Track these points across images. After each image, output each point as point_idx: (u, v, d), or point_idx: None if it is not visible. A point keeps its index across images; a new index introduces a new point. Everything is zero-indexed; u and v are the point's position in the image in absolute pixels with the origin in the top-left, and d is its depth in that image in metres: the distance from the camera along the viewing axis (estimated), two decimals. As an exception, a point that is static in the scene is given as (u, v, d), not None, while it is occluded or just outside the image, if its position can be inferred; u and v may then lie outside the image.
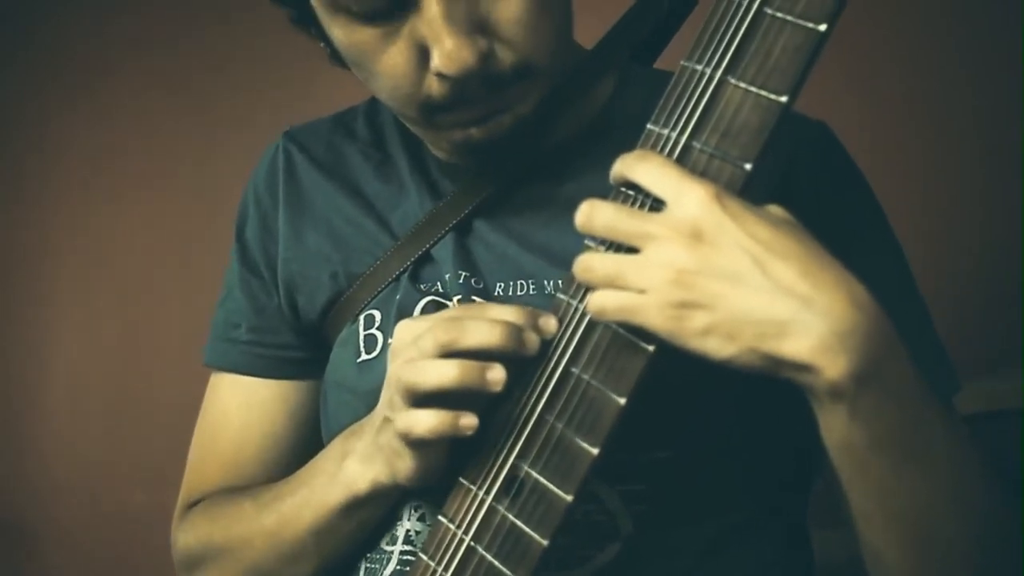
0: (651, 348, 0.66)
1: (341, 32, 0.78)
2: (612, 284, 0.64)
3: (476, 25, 0.74)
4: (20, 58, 2.05)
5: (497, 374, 0.68)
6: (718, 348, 0.61)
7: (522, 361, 0.70)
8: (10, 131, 2.06)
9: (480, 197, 0.87)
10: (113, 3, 2.00)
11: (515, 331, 0.69)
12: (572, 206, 0.73)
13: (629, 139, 0.72)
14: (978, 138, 1.62)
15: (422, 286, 0.87)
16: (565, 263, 0.79)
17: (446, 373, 0.68)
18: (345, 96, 0.99)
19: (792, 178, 0.81)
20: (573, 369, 0.69)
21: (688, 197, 0.62)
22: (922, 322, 0.84)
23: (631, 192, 0.68)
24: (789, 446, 0.82)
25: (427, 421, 0.69)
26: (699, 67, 0.67)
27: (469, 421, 0.69)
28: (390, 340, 0.83)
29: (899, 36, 1.65)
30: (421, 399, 0.70)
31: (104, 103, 2.02)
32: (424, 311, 0.85)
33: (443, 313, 0.73)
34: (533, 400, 0.70)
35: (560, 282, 0.81)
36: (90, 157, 2.04)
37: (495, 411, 0.72)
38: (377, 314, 0.88)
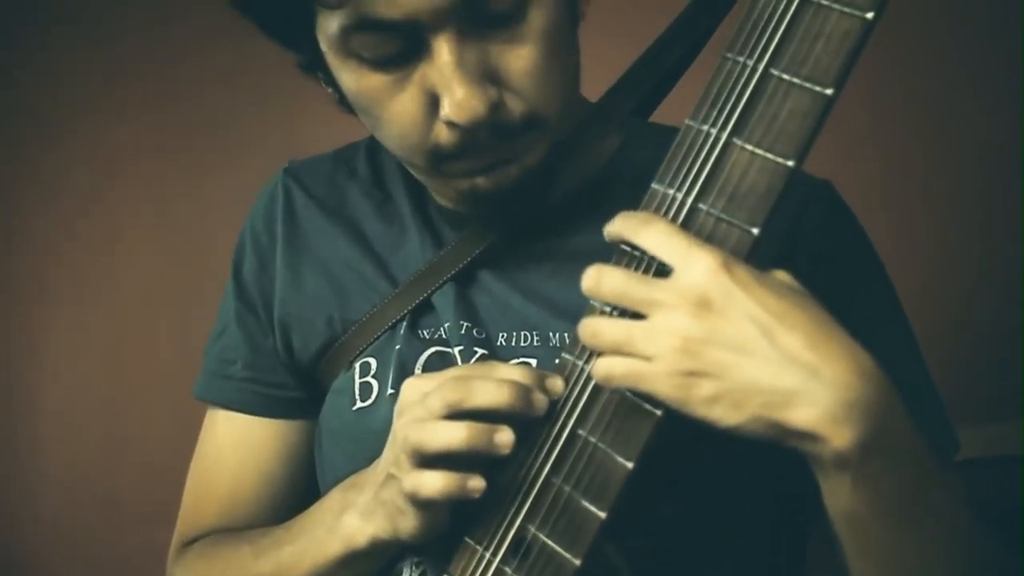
0: (659, 413, 0.66)
1: (351, 78, 0.77)
2: (619, 350, 0.64)
3: (487, 74, 0.74)
4: (12, 95, 2.02)
5: (505, 437, 0.68)
6: (725, 416, 0.61)
7: (529, 422, 0.70)
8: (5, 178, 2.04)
9: (483, 246, 0.86)
10: (102, 40, 1.97)
11: (523, 391, 0.69)
12: (576, 259, 0.73)
13: (633, 193, 0.72)
14: (978, 140, 1.61)
15: (423, 334, 0.87)
16: (569, 315, 0.79)
17: (455, 435, 0.68)
18: (337, 131, 0.97)
19: (796, 239, 0.81)
20: (580, 431, 0.69)
21: (695, 265, 0.62)
22: (924, 384, 0.85)
23: (636, 252, 0.67)
24: (792, 500, 0.82)
25: (434, 483, 0.69)
26: (705, 127, 0.66)
27: (477, 484, 0.69)
28: (390, 390, 0.84)
29: (899, 37, 1.63)
30: (429, 460, 0.70)
31: (93, 140, 1.99)
32: (427, 362, 0.85)
33: (450, 372, 0.73)
34: (540, 462, 0.70)
35: (565, 335, 0.81)
36: (80, 193, 2.00)
37: (501, 471, 0.71)
38: (373, 362, 0.88)
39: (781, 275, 0.64)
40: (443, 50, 0.72)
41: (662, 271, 0.65)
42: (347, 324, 0.90)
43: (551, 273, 0.85)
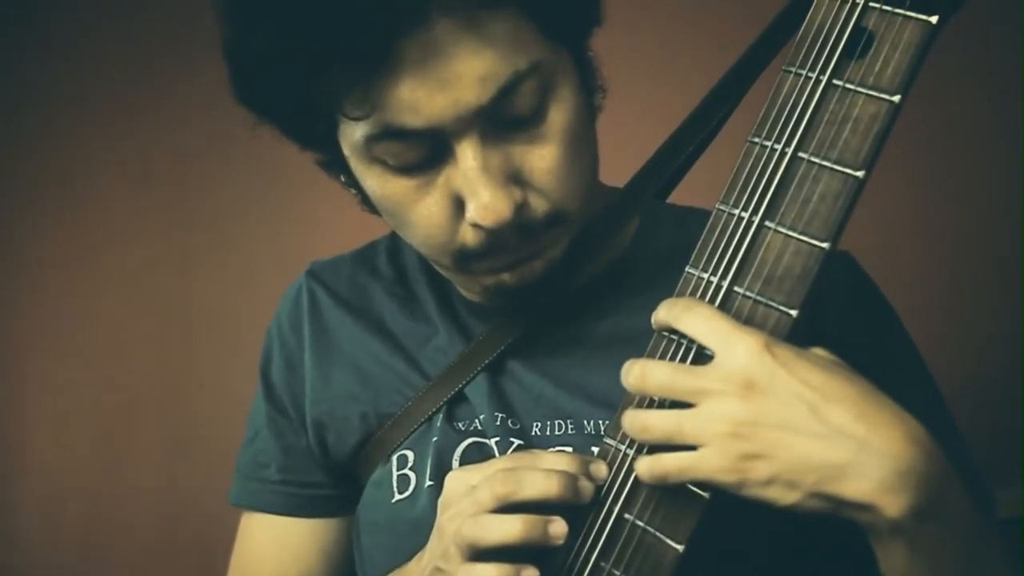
0: (707, 495, 0.66)
1: (375, 183, 0.78)
2: (670, 441, 0.65)
3: (510, 176, 0.75)
4: None
5: (559, 528, 0.69)
6: (781, 496, 0.62)
7: (575, 508, 0.70)
8: None
9: (511, 337, 0.87)
10: (91, 94, 1.99)
11: (571, 480, 0.69)
12: (604, 344, 0.73)
13: (654, 277, 0.72)
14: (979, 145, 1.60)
15: (459, 426, 0.87)
16: (602, 402, 0.80)
17: (510, 529, 0.68)
18: (329, 196, 0.97)
19: (820, 312, 0.81)
20: (627, 515, 0.69)
21: (738, 348, 0.63)
22: (958, 447, 0.85)
23: (674, 337, 0.68)
24: (847, 567, 0.82)
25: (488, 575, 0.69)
26: (736, 211, 0.67)
27: (530, 574, 0.69)
28: (429, 482, 0.84)
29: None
30: (480, 553, 0.70)
31: (78, 195, 2.00)
32: (465, 454, 0.85)
33: (496, 463, 0.73)
34: (588, 547, 0.70)
35: (600, 423, 0.81)
36: (63, 251, 2.02)
37: (550, 558, 0.71)
38: (410, 454, 0.88)
39: (821, 352, 0.65)
40: (467, 155, 0.73)
41: (702, 354, 0.66)
42: (382, 418, 0.90)
43: (580, 360, 0.86)
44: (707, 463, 0.63)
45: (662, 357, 0.68)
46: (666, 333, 0.68)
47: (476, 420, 0.86)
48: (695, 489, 0.66)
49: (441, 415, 0.87)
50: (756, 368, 0.62)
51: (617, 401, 0.71)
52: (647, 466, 0.65)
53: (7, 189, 2.03)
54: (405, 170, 0.76)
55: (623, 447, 0.70)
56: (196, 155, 1.93)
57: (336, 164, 0.82)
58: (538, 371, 0.87)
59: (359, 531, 0.92)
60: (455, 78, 0.70)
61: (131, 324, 1.98)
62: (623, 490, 0.69)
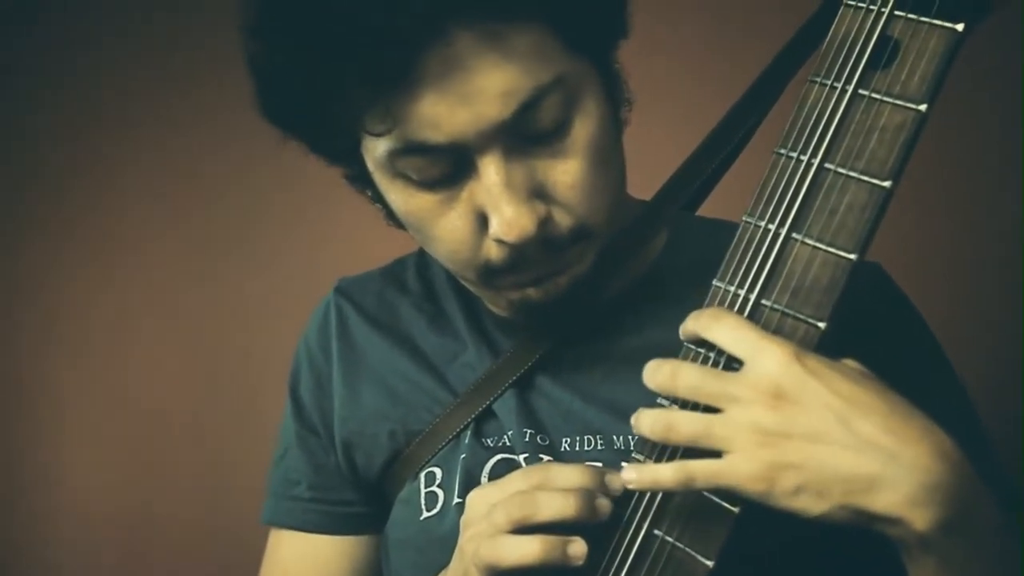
0: (736, 510, 0.65)
1: (399, 198, 0.78)
2: (696, 443, 0.64)
3: (534, 191, 0.75)
4: (19, 197, 2.04)
5: (578, 548, 0.68)
6: (810, 506, 0.61)
7: (601, 525, 0.69)
8: (12, 267, 2.04)
9: (539, 353, 0.87)
10: (118, 110, 1.99)
11: (588, 498, 0.69)
12: (632, 359, 0.73)
13: (682, 290, 0.72)
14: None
15: (488, 442, 0.87)
16: (629, 417, 0.79)
17: (528, 551, 0.68)
18: (355, 208, 0.96)
19: (850, 324, 0.81)
20: (656, 532, 0.68)
21: (767, 357, 0.62)
22: (989, 459, 0.84)
23: (701, 350, 0.67)
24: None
25: None
26: (763, 223, 0.67)
27: None
28: (457, 499, 0.83)
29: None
30: (500, 575, 0.69)
31: (106, 235, 2.00)
32: (494, 470, 0.84)
33: (512, 483, 0.72)
34: (616, 566, 0.70)
35: (629, 438, 0.81)
36: (91, 292, 2.01)
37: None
38: (438, 471, 0.87)
39: (851, 363, 0.65)
40: (490, 170, 0.73)
41: (731, 366, 0.65)
42: (410, 436, 0.90)
43: (607, 375, 0.86)
44: (735, 470, 0.62)
45: None
46: (693, 346, 0.68)
47: (505, 436, 0.86)
48: (724, 504, 0.65)
49: (469, 432, 0.87)
50: (785, 377, 0.61)
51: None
52: (672, 470, 0.65)
53: (43, 213, 2.05)
54: (428, 185, 0.75)
55: (652, 462, 0.69)
56: (227, 169, 1.92)
57: (362, 179, 0.82)
58: (567, 386, 0.86)
59: (387, 549, 0.92)
60: (476, 93, 0.70)
61: (162, 342, 1.98)
62: (652, 506, 0.69)
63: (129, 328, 1.99)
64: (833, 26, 0.66)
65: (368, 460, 0.92)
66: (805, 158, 0.65)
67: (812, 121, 0.65)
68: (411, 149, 0.73)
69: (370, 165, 0.79)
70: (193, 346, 1.96)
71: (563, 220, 0.76)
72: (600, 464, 0.81)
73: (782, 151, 0.67)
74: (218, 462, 1.92)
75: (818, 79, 0.66)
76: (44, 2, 1.98)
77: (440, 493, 0.86)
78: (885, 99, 0.63)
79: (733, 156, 0.89)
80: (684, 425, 0.64)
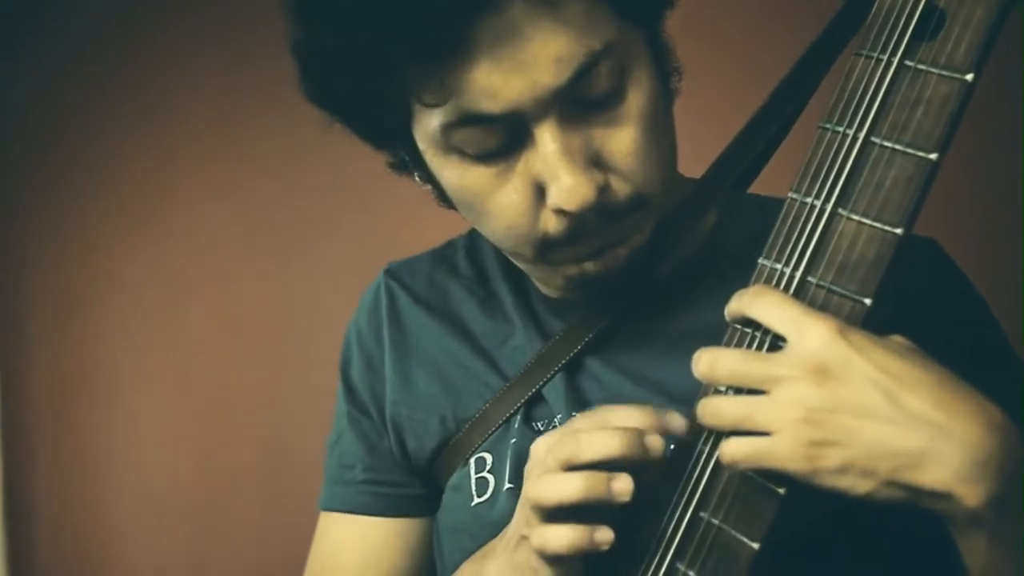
0: (782, 491, 0.64)
1: (453, 174, 0.77)
2: (741, 427, 0.63)
3: (591, 159, 0.74)
4: (83, 184, 2.07)
5: (623, 484, 0.67)
6: (855, 485, 0.61)
7: (649, 509, 0.69)
8: (74, 263, 2.08)
9: (590, 335, 0.86)
10: (178, 115, 2.01)
11: (636, 437, 0.68)
12: (683, 339, 0.72)
13: (733, 270, 0.71)
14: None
15: (538, 426, 0.86)
16: (682, 399, 0.77)
17: (570, 487, 0.68)
18: (416, 200, 0.97)
19: (904, 301, 0.79)
20: (702, 514, 0.68)
21: (811, 333, 0.61)
22: None
23: (747, 329, 0.67)
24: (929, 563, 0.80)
25: (560, 536, 0.69)
26: (808, 199, 0.66)
27: (604, 536, 0.68)
28: (508, 485, 0.84)
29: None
30: (552, 514, 0.69)
31: (171, 228, 2.03)
32: None
33: (566, 425, 0.72)
34: (663, 548, 0.69)
35: None
36: (152, 282, 2.05)
37: (625, 561, 0.71)
38: (488, 457, 0.87)
39: (898, 339, 0.64)
40: (547, 138, 0.73)
41: (775, 345, 0.65)
42: (460, 422, 0.90)
43: (658, 356, 0.85)
44: (778, 450, 0.61)
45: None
46: (739, 326, 0.67)
47: (555, 420, 0.86)
48: (770, 484, 0.65)
49: (519, 416, 0.87)
50: (829, 353, 0.61)
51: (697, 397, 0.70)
52: (724, 450, 0.64)
53: (100, 231, 2.08)
54: (483, 158, 0.75)
55: (699, 444, 0.69)
56: (291, 165, 1.93)
57: (411, 161, 0.82)
58: (616, 369, 0.86)
59: (439, 536, 0.92)
60: (531, 60, 0.70)
61: (224, 335, 2.01)
62: (698, 489, 0.68)
63: (191, 321, 2.02)
64: None
65: (419, 444, 0.92)
66: (851, 132, 0.64)
67: (858, 95, 0.64)
68: (467, 120, 0.73)
69: (421, 144, 0.78)
70: (256, 338, 1.98)
71: (621, 188, 0.75)
72: None
73: (827, 125, 0.66)
74: (282, 452, 1.94)
75: (863, 52, 0.65)
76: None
77: (491, 479, 0.86)
78: (931, 70, 0.62)
79: (783, 133, 0.88)
80: (727, 410, 0.64)
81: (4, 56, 2.05)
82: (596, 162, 0.74)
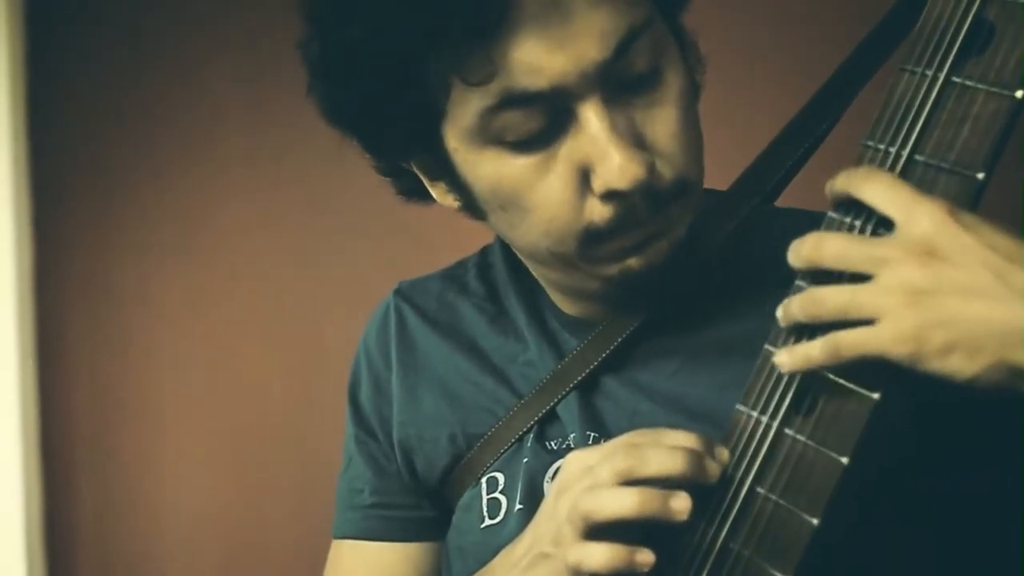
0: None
1: (491, 168, 0.76)
2: (845, 315, 0.62)
3: (636, 140, 0.74)
4: (123, 214, 2.08)
5: (682, 503, 0.66)
6: (961, 367, 0.59)
7: (700, 489, 0.68)
8: (112, 280, 2.09)
9: (608, 350, 0.84)
10: (213, 125, 2.02)
11: (696, 458, 0.67)
12: (701, 355, 0.73)
13: (756, 284, 0.70)
14: None
15: (551, 446, 0.85)
16: (702, 416, 0.78)
17: (627, 502, 0.66)
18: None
19: None
20: (759, 489, 0.66)
21: (921, 214, 0.60)
22: None
23: (846, 219, 0.65)
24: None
25: (601, 555, 0.67)
26: (918, 69, 0.64)
27: (645, 557, 0.66)
28: (519, 506, 0.82)
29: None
30: (596, 530, 0.67)
31: (211, 255, 2.03)
32: (557, 475, 0.80)
33: (618, 440, 0.70)
34: (715, 528, 0.68)
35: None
36: (191, 304, 2.05)
37: (673, 542, 0.69)
38: (500, 476, 0.86)
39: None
40: (592, 118, 0.72)
41: (877, 234, 0.64)
42: (471, 440, 0.88)
43: (676, 371, 0.83)
44: (882, 334, 0.60)
45: None
46: (836, 216, 0.65)
47: (569, 440, 0.84)
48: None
49: (532, 435, 0.85)
50: (939, 234, 0.60)
51: (719, 414, 0.69)
52: (820, 344, 0.63)
53: (134, 249, 2.08)
54: (524, 146, 0.74)
55: (755, 414, 0.67)
56: (327, 180, 1.93)
57: (436, 169, 0.81)
58: (632, 386, 0.84)
59: (448, 558, 0.90)
60: (575, 34, 0.70)
61: (268, 368, 2.01)
62: (755, 463, 0.67)
63: (231, 348, 2.04)
64: (925, 10, 0.64)
65: (429, 465, 0.90)
66: (894, 150, 0.64)
67: (901, 111, 0.64)
68: (510, 101, 0.72)
69: (453, 142, 0.77)
70: (297, 367, 2.00)
71: (665, 171, 0.75)
72: None
73: (869, 143, 0.65)
74: (320, 477, 1.93)
75: (908, 67, 0.64)
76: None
77: (503, 500, 0.84)
78: (979, 86, 0.62)
79: (814, 147, 0.87)
80: (830, 298, 0.62)
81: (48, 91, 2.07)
82: (640, 144, 0.74)
